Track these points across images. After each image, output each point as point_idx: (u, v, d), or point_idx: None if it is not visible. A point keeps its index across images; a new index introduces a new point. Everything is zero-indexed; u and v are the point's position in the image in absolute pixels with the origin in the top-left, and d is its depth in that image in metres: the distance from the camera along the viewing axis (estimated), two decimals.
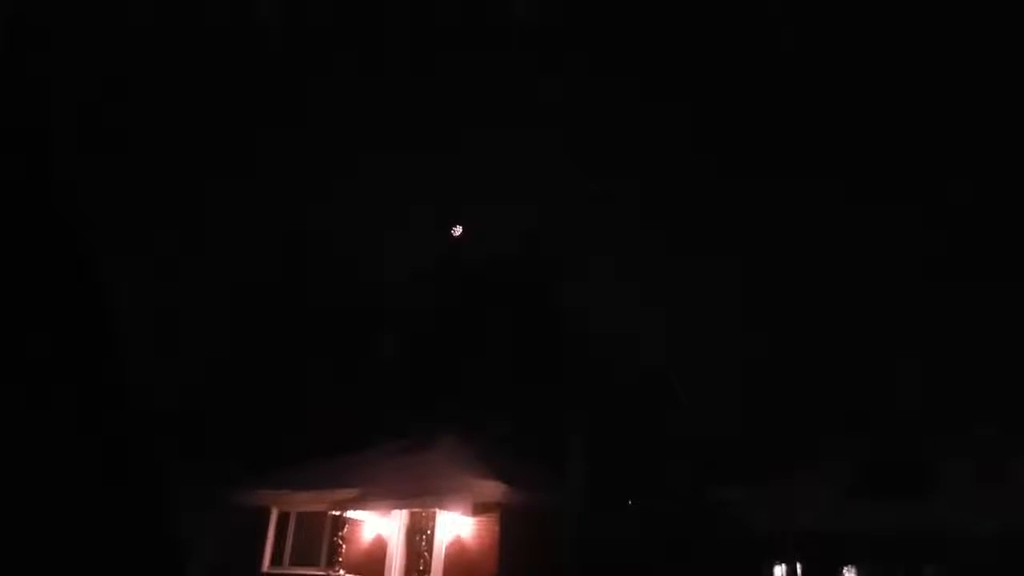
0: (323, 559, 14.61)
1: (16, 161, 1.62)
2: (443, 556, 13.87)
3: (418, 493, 13.82)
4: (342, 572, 14.02)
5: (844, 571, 16.09)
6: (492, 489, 13.73)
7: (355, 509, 14.12)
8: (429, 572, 13.78)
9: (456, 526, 13.94)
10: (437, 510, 13.85)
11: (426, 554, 13.95)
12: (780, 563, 16.72)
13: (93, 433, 1.60)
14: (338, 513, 14.23)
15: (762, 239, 31.36)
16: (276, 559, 15.13)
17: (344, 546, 14.37)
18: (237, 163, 25.98)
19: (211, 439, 21.05)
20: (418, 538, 14.19)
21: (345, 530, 14.47)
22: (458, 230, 25.02)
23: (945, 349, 25.82)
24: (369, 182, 28.55)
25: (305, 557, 14.86)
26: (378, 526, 14.51)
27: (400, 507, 14.13)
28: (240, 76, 24.43)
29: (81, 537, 1.54)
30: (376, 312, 28.32)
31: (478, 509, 13.66)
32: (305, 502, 15.04)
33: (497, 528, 13.69)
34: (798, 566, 16.35)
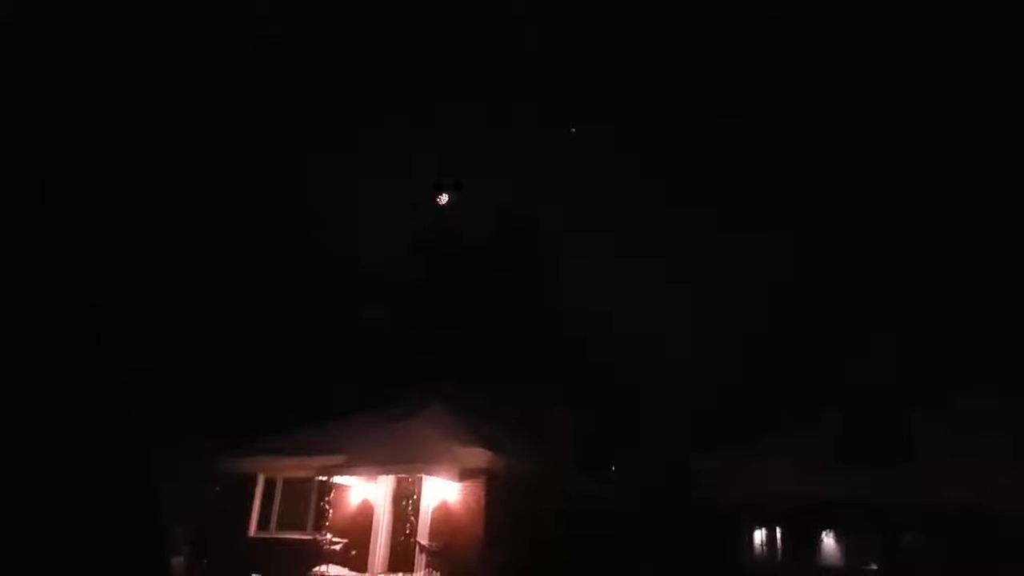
0: (310, 524, 14.72)
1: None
2: (429, 521, 14.02)
3: (404, 459, 13.90)
4: (329, 536, 14.14)
5: (822, 536, 16.44)
6: (477, 456, 13.84)
7: (341, 475, 14.20)
8: (415, 536, 13.93)
9: (442, 491, 14.07)
10: (423, 476, 13.96)
11: (412, 519, 14.09)
12: (760, 528, 17.06)
13: (72, 401, 1.56)
14: (324, 479, 14.31)
15: (745, 217, 31.49)
16: (263, 524, 15.23)
17: (331, 511, 14.48)
18: (224, 136, 25.64)
19: (199, 405, 21.03)
20: (404, 503, 14.32)
21: (331, 495, 14.57)
22: (444, 198, 24.89)
23: (926, 322, 26.16)
24: (357, 156, 28.29)
25: (292, 522, 14.97)
26: (365, 491, 14.62)
27: (386, 473, 14.22)
28: (228, 54, 24.03)
29: (60, 507, 1.50)
30: (364, 282, 28.26)
31: (464, 475, 13.77)
32: (291, 468, 15.10)
33: (483, 493, 13.83)
34: (777, 531, 16.69)
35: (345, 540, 14.09)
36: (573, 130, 28.07)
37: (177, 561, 14.73)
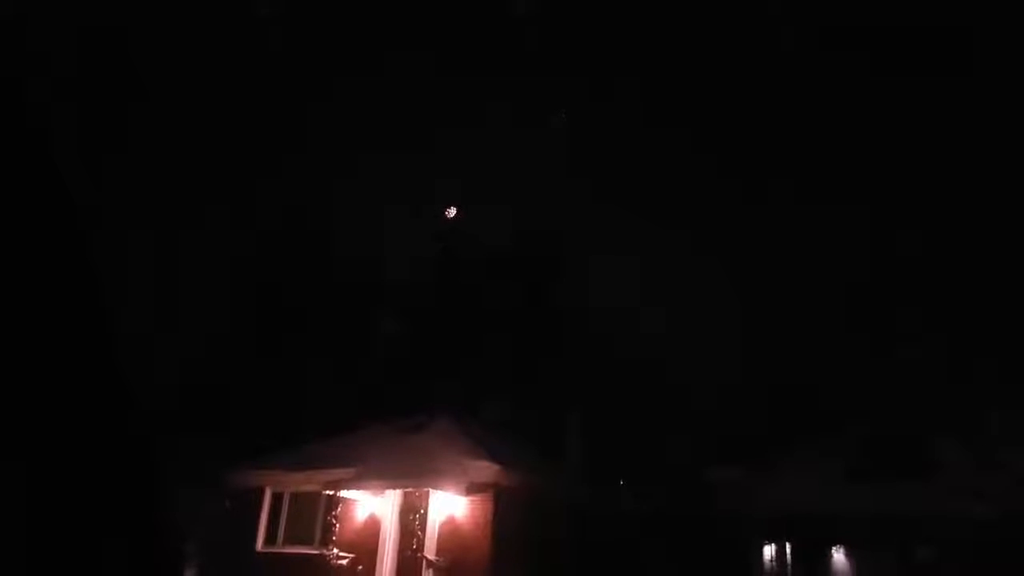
0: (317, 538, 14.70)
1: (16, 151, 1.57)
2: (436, 535, 13.97)
3: (412, 474, 13.88)
4: (336, 551, 14.12)
5: (832, 550, 16.23)
6: (485, 470, 13.79)
7: (349, 489, 14.19)
8: (422, 551, 13.88)
9: (450, 506, 14.01)
10: (431, 490, 13.92)
11: (420, 533, 14.05)
12: (769, 543, 16.87)
13: (85, 412, 1.56)
14: (332, 493, 14.30)
15: (759, 218, 31.36)
16: (270, 538, 15.23)
17: (338, 525, 14.46)
18: (240, 147, 25.86)
19: (207, 420, 21.10)
20: (412, 517, 14.28)
21: (339, 510, 14.54)
22: (452, 211, 24.93)
23: (946, 333, 25.88)
24: (372, 164, 28.46)
25: (299, 536, 14.96)
26: (372, 506, 14.59)
27: (394, 487, 14.20)
28: (246, 69, 24.30)
29: (73, 517, 1.50)
30: (374, 294, 28.32)
31: (472, 489, 13.72)
32: (299, 482, 15.11)
33: (491, 508, 13.76)
34: (787, 545, 16.49)
35: (352, 555, 14.07)
36: (564, 115, 28.10)
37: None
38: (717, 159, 31.68)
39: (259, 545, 15.12)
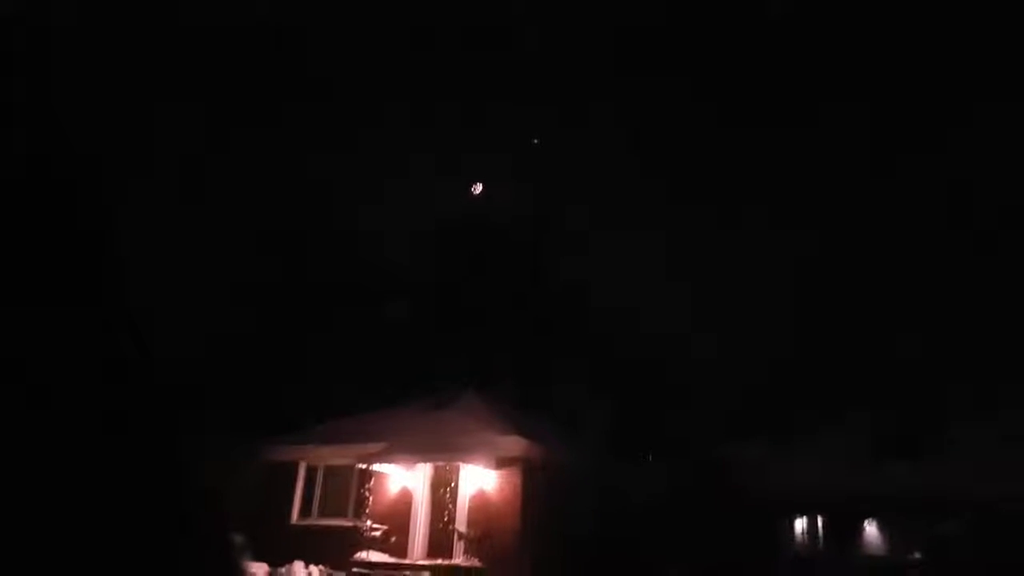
0: (350, 511, 15.00)
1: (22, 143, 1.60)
2: (467, 508, 14.17)
3: (442, 448, 14.07)
4: (369, 523, 14.40)
5: (864, 525, 16.17)
6: (513, 444, 13.93)
7: (381, 463, 14.43)
8: (453, 523, 14.11)
9: (479, 479, 14.20)
10: (460, 464, 14.11)
11: (450, 506, 14.27)
12: (800, 516, 16.85)
13: (118, 388, 1.60)
14: (364, 466, 14.56)
15: (782, 196, 30.94)
16: (305, 511, 15.57)
17: (371, 498, 14.73)
18: (240, 130, 26.03)
19: (242, 395, 21.50)
20: (442, 491, 14.50)
21: (371, 483, 14.82)
22: (478, 188, 24.95)
23: (974, 313, 25.41)
24: (380, 145, 28.51)
25: (333, 509, 15.27)
26: (403, 479, 14.84)
27: (424, 461, 14.41)
28: (251, 49, 24.40)
29: (104, 492, 1.55)
30: (389, 278, 28.50)
31: (500, 463, 13.88)
32: (332, 456, 15.40)
33: (519, 481, 13.92)
34: (819, 519, 16.47)
35: (385, 527, 14.34)
36: (536, 141, 28.20)
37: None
38: (729, 155, 31.32)
39: (294, 517, 15.47)
